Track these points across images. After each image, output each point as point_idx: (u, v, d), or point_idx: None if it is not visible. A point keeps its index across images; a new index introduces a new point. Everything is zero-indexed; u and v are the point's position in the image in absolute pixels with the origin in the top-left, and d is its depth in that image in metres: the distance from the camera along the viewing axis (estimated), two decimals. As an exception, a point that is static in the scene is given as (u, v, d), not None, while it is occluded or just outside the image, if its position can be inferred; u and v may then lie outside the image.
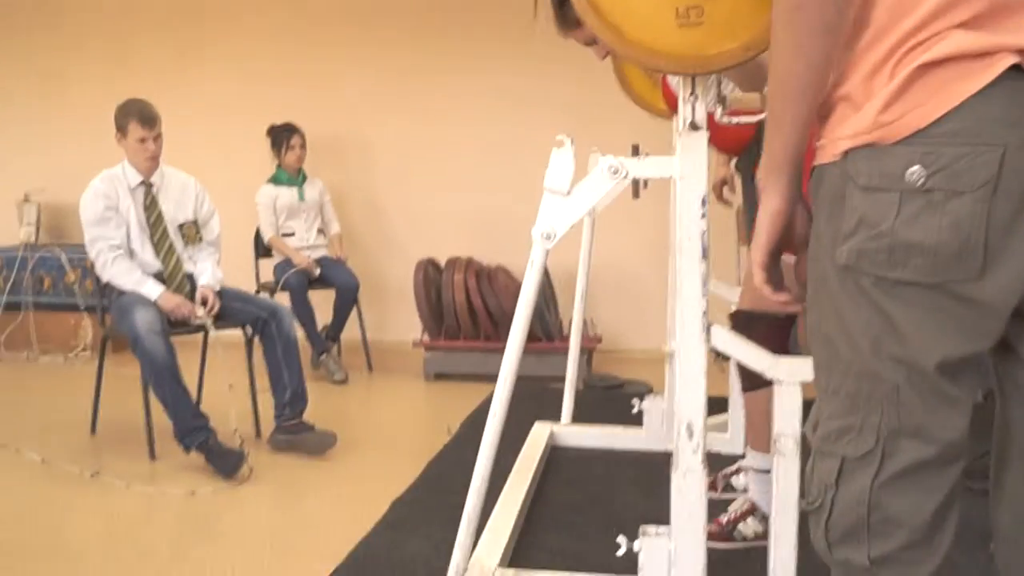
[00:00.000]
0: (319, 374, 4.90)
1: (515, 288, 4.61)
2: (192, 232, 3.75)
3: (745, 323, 2.28)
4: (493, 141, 5.65)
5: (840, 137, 1.10)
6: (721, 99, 1.83)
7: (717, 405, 3.11)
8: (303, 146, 5.16)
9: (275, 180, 5.14)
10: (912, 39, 1.04)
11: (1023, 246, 1.02)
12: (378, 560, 2.44)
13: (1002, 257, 1.02)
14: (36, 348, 5.43)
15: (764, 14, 1.58)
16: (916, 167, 1.02)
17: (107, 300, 3.70)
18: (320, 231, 5.24)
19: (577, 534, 2.62)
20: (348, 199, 5.77)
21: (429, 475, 3.16)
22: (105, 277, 3.58)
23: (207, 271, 3.69)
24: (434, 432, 3.76)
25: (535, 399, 4.01)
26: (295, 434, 3.54)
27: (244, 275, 4.99)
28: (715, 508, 2.44)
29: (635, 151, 2.09)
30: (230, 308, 3.65)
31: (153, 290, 3.50)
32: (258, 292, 4.91)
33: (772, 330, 2.24)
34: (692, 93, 1.76)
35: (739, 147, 2.86)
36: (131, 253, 3.62)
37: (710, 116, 1.78)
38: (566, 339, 3.93)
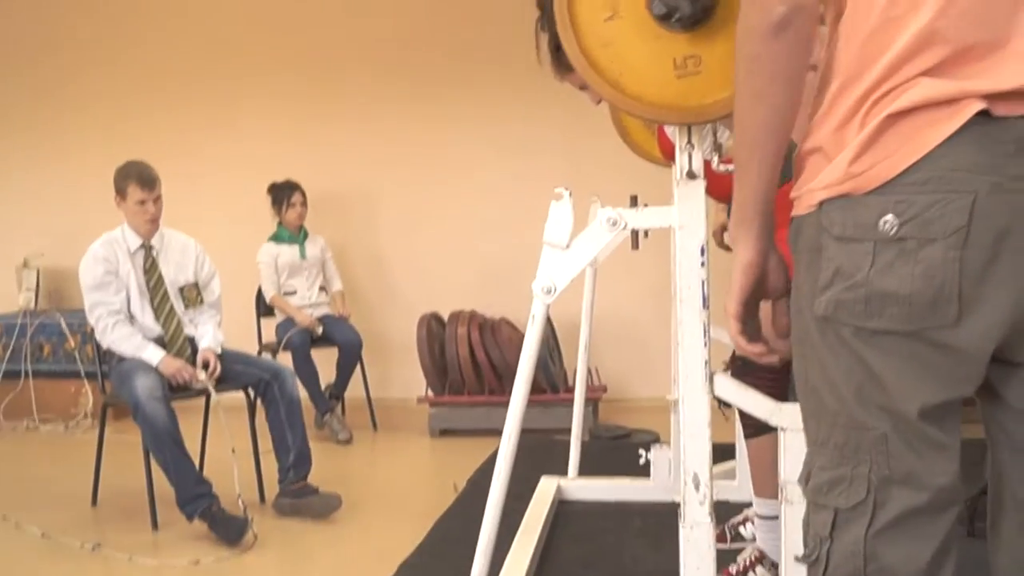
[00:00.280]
0: (323, 434, 4.85)
1: (519, 340, 4.58)
2: (193, 294, 3.74)
3: (743, 369, 2.26)
4: (494, 193, 5.67)
5: (814, 188, 1.11)
6: (717, 147, 1.83)
7: (724, 452, 3.08)
8: (304, 203, 5.17)
9: (276, 238, 5.15)
10: (880, 88, 1.05)
11: (997, 292, 1.02)
12: (386, 625, 2.39)
13: (977, 304, 1.02)
14: (36, 417, 5.39)
15: None
16: (889, 216, 1.03)
17: (107, 366, 3.68)
18: (322, 289, 5.23)
19: (588, 591, 2.57)
20: (350, 255, 5.77)
21: (436, 535, 3.11)
22: (105, 343, 3.56)
23: (208, 334, 3.67)
24: (440, 490, 3.71)
25: (541, 452, 3.97)
26: (300, 498, 3.49)
27: (246, 335, 4.97)
28: (725, 558, 2.40)
29: (633, 202, 2.08)
30: (232, 371, 3.63)
31: (154, 355, 3.48)
32: (260, 352, 4.90)
33: (770, 375, 2.22)
34: (688, 142, 1.75)
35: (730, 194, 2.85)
36: (131, 318, 3.60)
37: (707, 164, 1.78)
38: (571, 390, 3.90)
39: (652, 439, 4.38)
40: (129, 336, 3.52)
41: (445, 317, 5.08)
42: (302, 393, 3.85)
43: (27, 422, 5.38)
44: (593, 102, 2.20)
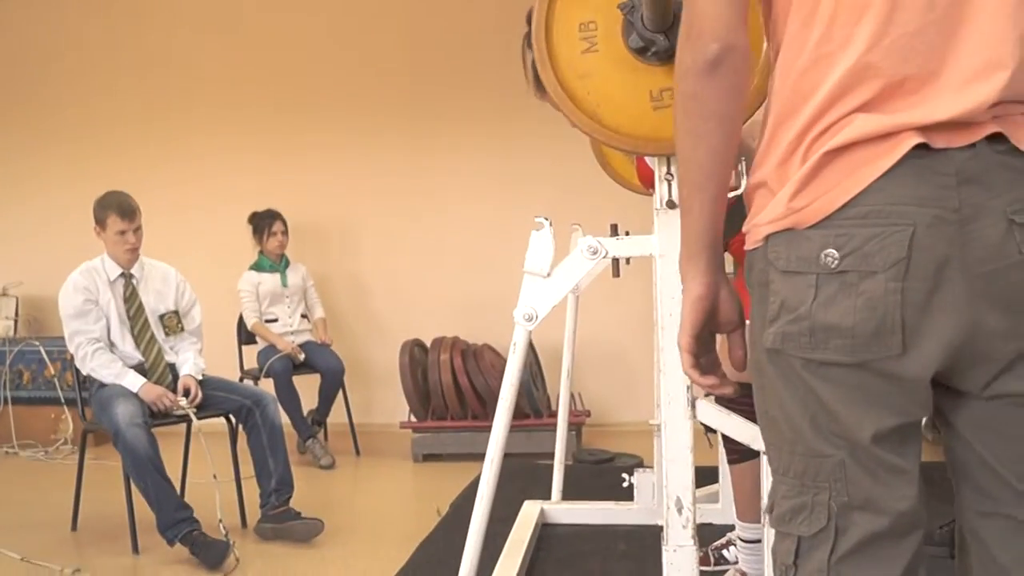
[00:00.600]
0: (305, 460, 4.84)
1: (502, 366, 4.60)
2: (173, 322, 3.73)
3: (728, 397, 2.29)
4: (475, 220, 5.70)
5: (759, 224, 1.12)
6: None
7: (707, 475, 3.09)
8: (285, 232, 5.18)
9: (257, 267, 5.15)
10: (817, 124, 1.06)
11: (940, 321, 1.03)
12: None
13: (921, 333, 1.03)
14: (16, 443, 5.35)
15: None
16: (830, 250, 1.04)
17: (87, 393, 3.67)
18: (304, 316, 5.23)
19: (571, 616, 2.57)
20: (332, 283, 5.78)
21: (418, 560, 3.11)
22: (85, 370, 3.55)
23: (189, 361, 3.66)
24: (423, 515, 3.70)
25: (524, 476, 3.98)
26: (281, 522, 3.48)
27: (228, 362, 4.96)
28: (709, 582, 2.42)
29: (614, 231, 2.11)
30: (213, 397, 3.62)
31: (134, 382, 3.48)
32: (242, 379, 4.89)
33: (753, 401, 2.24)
34: (668, 172, 1.79)
35: None
36: (111, 346, 3.60)
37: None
38: (554, 415, 3.91)
39: (635, 463, 4.40)
40: (109, 363, 3.51)
41: (428, 343, 5.09)
42: (284, 419, 3.84)
43: (7, 448, 5.33)
44: (570, 123, 2.24)
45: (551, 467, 3.53)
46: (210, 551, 3.21)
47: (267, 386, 4.53)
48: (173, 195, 5.73)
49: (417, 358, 5.01)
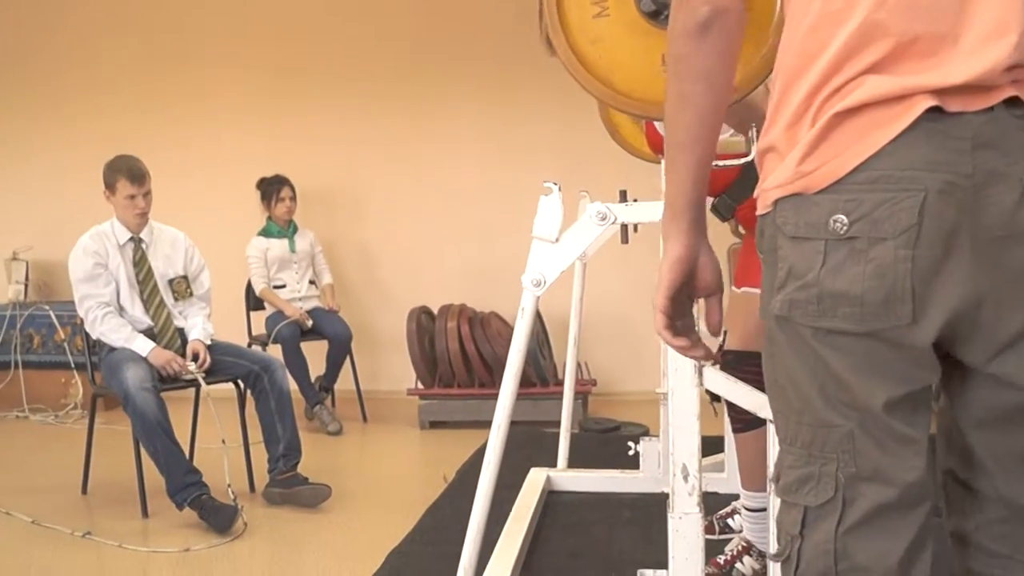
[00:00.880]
0: (313, 425, 4.86)
1: (508, 334, 4.61)
2: (182, 287, 3.74)
3: (734, 363, 2.28)
4: (484, 187, 5.68)
5: (768, 188, 1.10)
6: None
7: (713, 444, 3.10)
8: (293, 198, 5.18)
9: (266, 232, 5.15)
10: (827, 86, 1.04)
11: (948, 289, 1.01)
12: (376, 614, 2.41)
13: (930, 302, 1.01)
14: (26, 407, 5.39)
15: (751, 50, 1.60)
16: (839, 215, 1.02)
17: (97, 357, 3.69)
18: (311, 282, 5.23)
19: (576, 581, 2.59)
20: (340, 249, 5.78)
21: (425, 525, 3.13)
22: (95, 334, 3.57)
23: (197, 326, 3.67)
24: (430, 481, 3.73)
25: (531, 444, 3.99)
26: (289, 487, 3.50)
27: (236, 328, 4.98)
28: (712, 548, 2.43)
29: (623, 197, 2.10)
30: (222, 362, 3.64)
31: (143, 346, 3.49)
32: (250, 345, 4.90)
33: (759, 369, 2.24)
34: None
35: (723, 189, 2.88)
36: (121, 310, 3.61)
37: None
38: (560, 383, 3.92)
39: (642, 432, 4.41)
40: (118, 327, 3.53)
41: (435, 311, 5.09)
42: (292, 385, 3.86)
43: (17, 412, 5.37)
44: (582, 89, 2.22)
45: (557, 435, 3.55)
46: (219, 515, 3.23)
47: (275, 352, 4.55)
48: (181, 157, 5.71)
49: (424, 325, 5.02)
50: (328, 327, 5.02)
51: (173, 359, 3.50)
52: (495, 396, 1.98)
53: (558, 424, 3.57)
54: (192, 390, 3.71)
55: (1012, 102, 1.00)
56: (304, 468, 3.58)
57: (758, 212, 1.15)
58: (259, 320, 5.16)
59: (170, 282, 3.72)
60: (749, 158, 1.84)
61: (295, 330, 4.88)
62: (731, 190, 2.37)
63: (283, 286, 5.10)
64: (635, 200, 2.04)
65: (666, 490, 1.90)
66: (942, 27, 1.01)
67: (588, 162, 5.10)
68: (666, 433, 2.84)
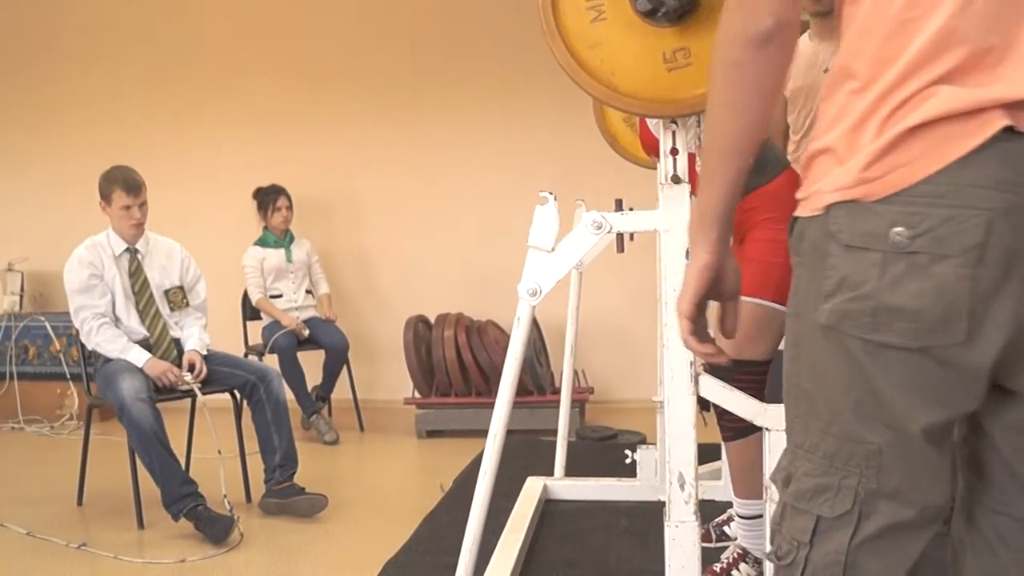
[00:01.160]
0: (310, 435, 4.86)
1: (505, 342, 4.60)
2: (178, 298, 3.74)
3: (724, 370, 2.28)
4: (480, 195, 5.69)
5: (822, 191, 1.07)
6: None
7: (710, 452, 3.10)
8: (289, 207, 5.18)
9: (262, 242, 5.15)
10: (896, 93, 1.01)
11: (1003, 313, 0.99)
12: (372, 625, 2.40)
13: (985, 324, 0.99)
14: (21, 418, 5.37)
15: None
16: (900, 228, 0.99)
17: (93, 368, 3.68)
18: (308, 292, 5.23)
19: (574, 591, 2.59)
20: (336, 258, 5.77)
21: (422, 535, 3.12)
22: (91, 345, 3.56)
23: (193, 336, 3.67)
24: (426, 490, 3.72)
25: (528, 453, 3.99)
26: (286, 497, 3.49)
27: (232, 338, 4.97)
28: (709, 556, 2.42)
29: (618, 206, 2.10)
30: (218, 373, 3.63)
31: (139, 357, 3.48)
32: (247, 355, 4.90)
33: (751, 377, 2.24)
34: (674, 147, 1.78)
35: None
36: (116, 320, 3.60)
37: (691, 157, 1.80)
38: (557, 392, 3.91)
39: (638, 440, 4.41)
40: (114, 338, 3.52)
41: (432, 319, 5.09)
42: (288, 395, 3.86)
43: (12, 423, 5.36)
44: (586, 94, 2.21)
45: (554, 444, 3.54)
46: (215, 526, 3.22)
47: (271, 362, 4.54)
48: (178, 167, 5.72)
49: (421, 334, 5.01)
50: (325, 337, 5.02)
51: (169, 370, 3.50)
52: (492, 405, 1.98)
53: (555, 432, 3.57)
54: (188, 400, 3.70)
55: None
56: (301, 478, 3.57)
57: (800, 213, 1.11)
58: (255, 330, 5.16)
59: (166, 293, 3.72)
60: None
61: (292, 340, 4.88)
62: None
63: (279, 296, 5.10)
64: (631, 209, 2.04)
65: (663, 498, 1.89)
66: (1008, 37, 0.99)
67: (584, 171, 5.11)
68: (663, 441, 2.84)
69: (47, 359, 5.47)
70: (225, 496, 3.31)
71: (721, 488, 3.22)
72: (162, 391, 3.49)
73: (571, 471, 3.53)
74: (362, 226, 5.85)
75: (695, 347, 1.27)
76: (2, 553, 3.21)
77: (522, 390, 4.18)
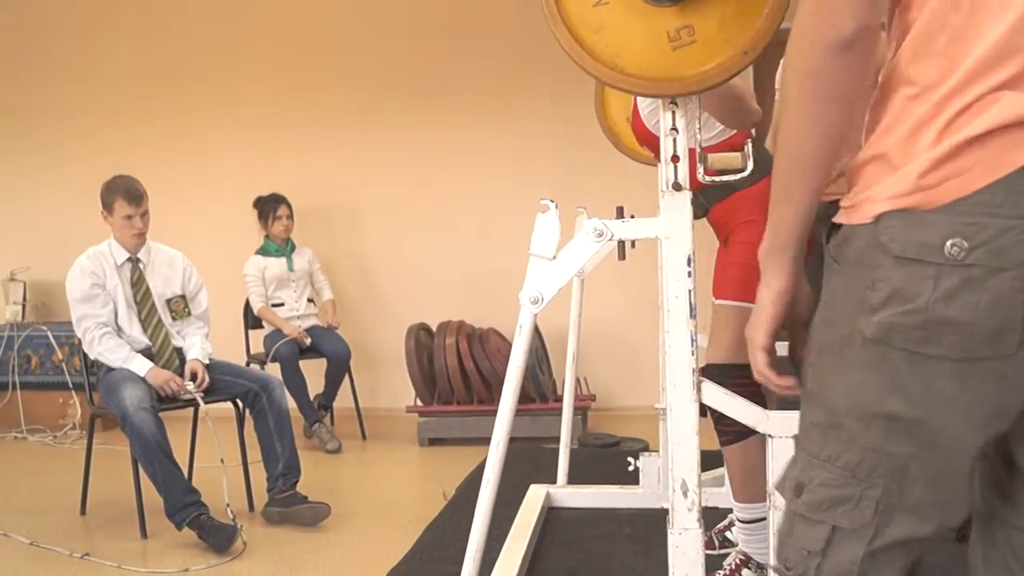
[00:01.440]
0: (312, 444, 4.86)
1: (507, 350, 4.61)
2: (180, 307, 3.74)
3: (717, 376, 2.28)
4: (481, 203, 5.69)
5: (873, 199, 1.02)
6: (702, 158, 1.85)
7: (713, 459, 3.10)
8: (290, 216, 5.18)
9: (263, 251, 5.15)
10: (957, 99, 0.98)
11: None
12: (376, 633, 2.40)
13: None
14: (24, 427, 5.37)
15: (754, 19, 1.63)
16: (957, 239, 0.95)
17: (95, 377, 3.68)
18: (310, 300, 5.24)
19: (577, 598, 2.58)
20: (337, 267, 5.78)
21: (424, 543, 3.12)
22: (93, 355, 3.56)
23: (196, 345, 3.67)
24: (429, 499, 3.72)
25: (530, 461, 3.99)
26: (288, 506, 3.49)
27: (234, 347, 4.98)
28: (713, 564, 2.42)
29: (620, 213, 2.11)
30: (220, 381, 3.63)
31: (141, 366, 3.49)
32: (248, 364, 4.90)
33: (746, 381, 2.24)
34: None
35: (697, 188, 2.89)
36: (119, 330, 3.60)
37: (691, 158, 1.80)
38: (560, 399, 3.91)
39: (641, 447, 4.40)
40: (116, 348, 3.52)
41: (433, 328, 5.09)
42: (291, 403, 3.86)
43: (15, 433, 5.36)
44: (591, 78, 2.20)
45: (557, 451, 3.54)
46: (218, 535, 3.22)
47: (273, 370, 4.54)
48: (179, 176, 5.74)
49: (423, 342, 5.02)
50: (327, 345, 5.02)
51: (171, 379, 3.50)
52: (494, 413, 1.97)
53: (557, 440, 3.56)
54: (191, 410, 3.71)
55: None
56: (303, 487, 3.57)
57: (846, 220, 1.08)
58: (257, 339, 5.16)
59: (168, 302, 3.72)
60: (746, 173, 1.85)
61: (294, 348, 4.88)
62: (706, 191, 2.36)
63: (281, 304, 5.10)
64: (632, 216, 2.04)
65: (666, 505, 1.89)
66: None
67: (585, 178, 5.12)
68: (665, 448, 2.84)
69: (50, 368, 5.47)
70: (228, 505, 3.31)
71: (724, 495, 3.21)
72: (164, 400, 3.50)
73: (574, 479, 3.53)
74: (363, 234, 5.86)
75: (774, 381, 1.21)
76: (6, 563, 3.20)
77: (524, 397, 4.19)
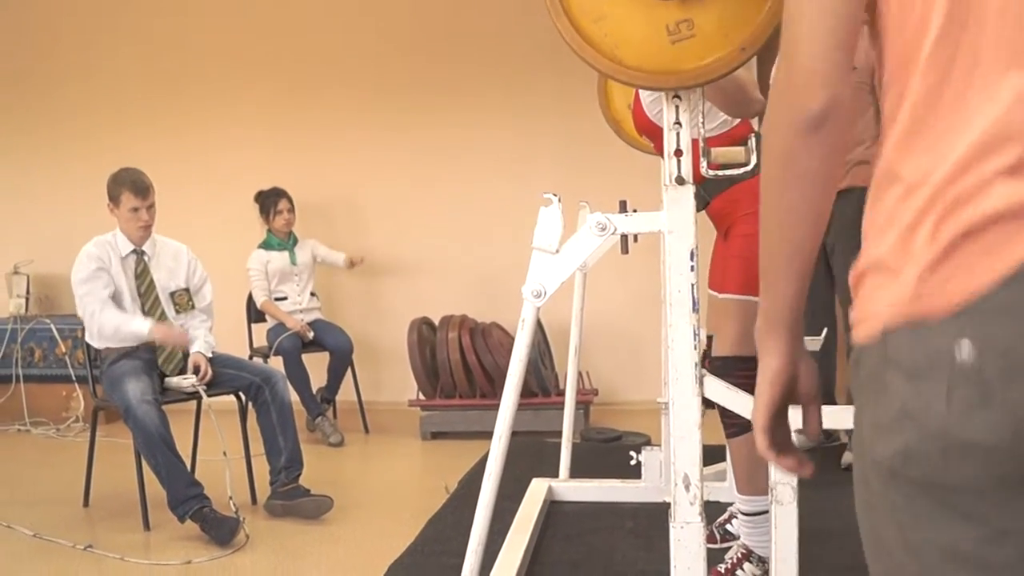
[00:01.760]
0: (315, 437, 4.86)
1: (510, 344, 4.61)
2: (184, 300, 3.75)
3: (722, 369, 2.28)
4: (484, 197, 5.69)
5: (877, 312, 0.94)
6: (706, 152, 1.85)
7: (715, 454, 3.10)
8: (291, 210, 5.19)
9: (266, 245, 5.16)
10: (950, 190, 0.89)
11: None
12: (378, 626, 2.41)
13: None
14: (28, 420, 5.39)
15: (754, 14, 1.64)
16: (965, 341, 0.86)
17: (98, 370, 3.69)
18: (313, 294, 5.25)
19: (579, 592, 2.59)
20: (340, 261, 5.78)
21: (427, 536, 3.13)
22: (95, 326, 3.55)
23: (199, 338, 3.68)
24: (431, 492, 3.72)
25: (532, 455, 3.99)
26: (291, 499, 3.50)
27: (237, 340, 4.98)
28: (714, 558, 2.43)
29: (623, 207, 2.11)
30: (223, 375, 3.64)
31: (143, 325, 3.49)
32: (251, 357, 4.90)
33: (749, 374, 2.24)
34: (677, 149, 1.78)
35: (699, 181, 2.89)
36: (122, 322, 3.61)
37: (694, 143, 1.80)
38: (562, 393, 3.91)
39: (643, 441, 4.41)
40: (117, 314, 3.53)
41: (436, 321, 5.10)
42: (293, 397, 3.87)
43: (19, 426, 5.37)
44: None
45: (559, 445, 3.55)
46: (220, 527, 3.23)
47: (276, 364, 4.55)
48: (182, 170, 5.72)
49: (425, 336, 5.02)
50: (329, 339, 5.03)
51: (174, 331, 3.51)
52: (496, 407, 1.98)
53: (559, 434, 3.57)
54: (193, 403, 3.71)
55: None
56: (306, 480, 3.57)
57: (857, 340, 0.99)
58: (260, 332, 5.17)
59: (172, 295, 3.73)
60: (749, 167, 1.85)
61: (296, 342, 4.89)
62: (707, 183, 2.36)
63: (284, 298, 5.11)
64: (635, 210, 2.04)
65: (668, 500, 1.90)
66: None
67: (588, 172, 5.11)
68: (667, 442, 2.85)
69: (53, 361, 5.48)
70: (231, 498, 3.32)
71: (726, 489, 3.22)
72: (167, 393, 3.51)
73: (576, 473, 3.53)
74: (365, 228, 5.86)
75: (776, 461, 1.14)
76: (9, 555, 3.22)
77: (526, 392, 4.19)
